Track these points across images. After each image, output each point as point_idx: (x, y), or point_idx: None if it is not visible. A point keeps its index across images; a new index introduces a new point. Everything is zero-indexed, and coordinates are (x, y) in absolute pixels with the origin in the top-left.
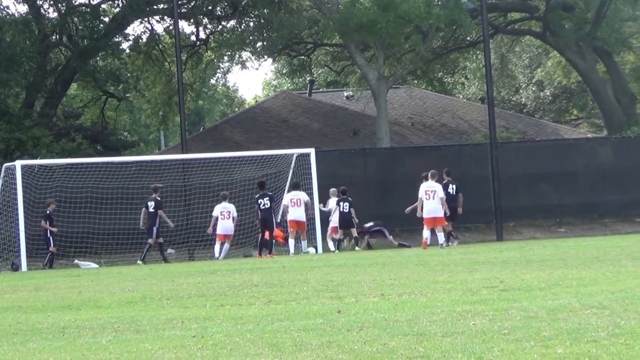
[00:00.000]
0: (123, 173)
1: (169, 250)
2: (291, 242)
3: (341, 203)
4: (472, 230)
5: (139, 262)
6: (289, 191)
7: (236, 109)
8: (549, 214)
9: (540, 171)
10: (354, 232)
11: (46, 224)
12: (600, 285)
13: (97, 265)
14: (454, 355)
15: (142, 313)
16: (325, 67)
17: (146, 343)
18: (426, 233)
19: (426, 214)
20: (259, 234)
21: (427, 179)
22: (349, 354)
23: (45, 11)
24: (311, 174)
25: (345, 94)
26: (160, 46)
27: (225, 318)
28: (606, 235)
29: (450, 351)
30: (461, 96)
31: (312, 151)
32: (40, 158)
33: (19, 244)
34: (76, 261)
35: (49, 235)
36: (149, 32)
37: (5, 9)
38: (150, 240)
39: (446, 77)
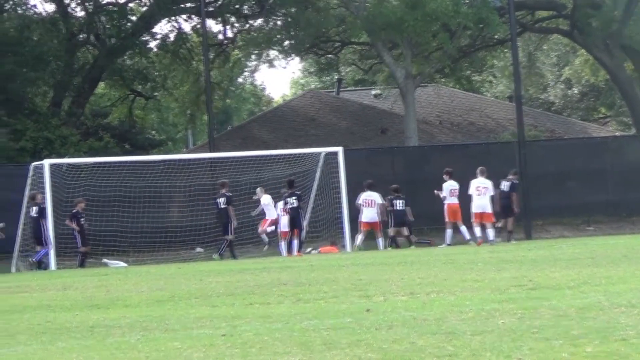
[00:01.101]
0: (151, 172)
1: (197, 249)
2: (360, 237)
3: (395, 201)
4: (501, 228)
5: (215, 256)
6: (363, 191)
7: (264, 108)
8: (577, 212)
9: (569, 169)
10: (405, 230)
11: (72, 222)
12: (629, 283)
13: (125, 264)
14: (483, 354)
15: (171, 312)
16: (353, 66)
17: (175, 342)
18: (478, 231)
19: (475, 209)
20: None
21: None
22: (377, 352)
23: (73, 10)
24: (339, 173)
25: (373, 92)
26: (187, 45)
27: (254, 317)
28: (634, 233)
29: (479, 350)
30: (489, 94)
31: (340, 150)
32: (68, 157)
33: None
34: (104, 260)
35: (75, 234)
36: (176, 31)
37: (33, 7)
38: (228, 237)
39: (474, 76)
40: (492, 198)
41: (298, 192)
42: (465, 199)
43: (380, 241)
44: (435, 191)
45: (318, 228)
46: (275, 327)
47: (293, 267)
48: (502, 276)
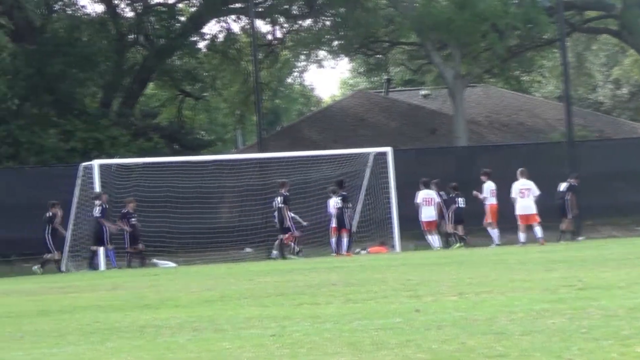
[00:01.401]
0: (200, 172)
1: (247, 249)
2: (431, 237)
3: (458, 199)
4: (550, 229)
5: (290, 256)
6: (419, 189)
7: (313, 108)
8: (627, 212)
9: (618, 169)
10: (461, 229)
11: (122, 223)
12: None
13: (175, 265)
14: (533, 354)
15: (221, 312)
16: (402, 66)
17: (225, 342)
18: (522, 237)
19: (520, 211)
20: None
21: (488, 177)
22: (427, 353)
23: (122, 10)
24: (388, 173)
25: (422, 92)
26: (236, 45)
27: (304, 317)
28: None
29: (529, 350)
30: (538, 94)
31: (389, 150)
32: (118, 157)
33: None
34: (154, 260)
35: (125, 234)
36: (225, 31)
37: (82, 8)
38: (295, 233)
39: (523, 76)
40: (535, 198)
41: (344, 193)
42: (503, 200)
43: (436, 239)
44: (474, 192)
45: (367, 228)
46: (324, 327)
47: (343, 267)
48: (552, 276)
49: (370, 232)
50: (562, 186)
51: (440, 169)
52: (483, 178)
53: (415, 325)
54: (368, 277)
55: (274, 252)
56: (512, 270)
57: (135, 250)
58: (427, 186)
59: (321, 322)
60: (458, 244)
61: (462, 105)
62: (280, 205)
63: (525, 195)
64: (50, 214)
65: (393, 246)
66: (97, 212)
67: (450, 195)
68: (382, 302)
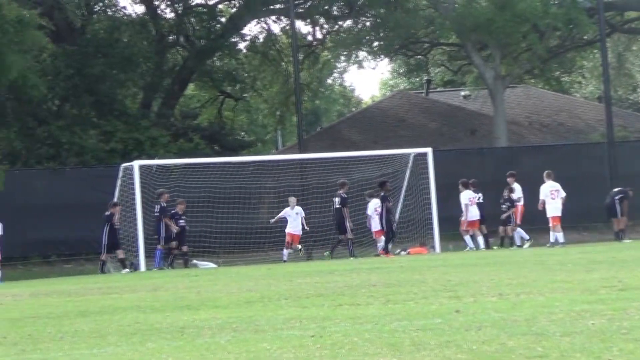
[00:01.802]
0: (241, 173)
1: (297, 246)
2: (479, 239)
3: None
4: (590, 229)
5: (325, 253)
6: (461, 190)
7: (353, 109)
8: None
9: None
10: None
11: (171, 223)
12: None
13: (215, 265)
14: (573, 355)
15: (261, 313)
16: (442, 67)
17: (265, 343)
18: (561, 236)
19: (552, 213)
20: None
21: (515, 179)
22: (467, 353)
23: (162, 11)
24: (428, 174)
25: (462, 93)
26: (277, 46)
27: (344, 318)
28: None
29: (569, 350)
30: (578, 95)
31: (429, 151)
32: (158, 158)
33: (138, 244)
34: (194, 261)
35: (162, 234)
36: (265, 32)
37: (122, 9)
38: (341, 237)
39: (563, 76)
40: (563, 200)
41: (383, 194)
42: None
43: (480, 240)
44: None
45: (407, 229)
46: (364, 328)
47: (382, 268)
48: (592, 277)
49: (410, 233)
50: (615, 190)
51: (481, 170)
52: (510, 180)
53: (455, 326)
54: (408, 278)
55: (326, 252)
56: (552, 271)
57: (180, 251)
58: (466, 187)
59: (361, 323)
60: (527, 242)
61: (502, 106)
62: (337, 205)
63: (555, 196)
64: (109, 212)
65: (433, 247)
66: (156, 210)
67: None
68: (422, 303)
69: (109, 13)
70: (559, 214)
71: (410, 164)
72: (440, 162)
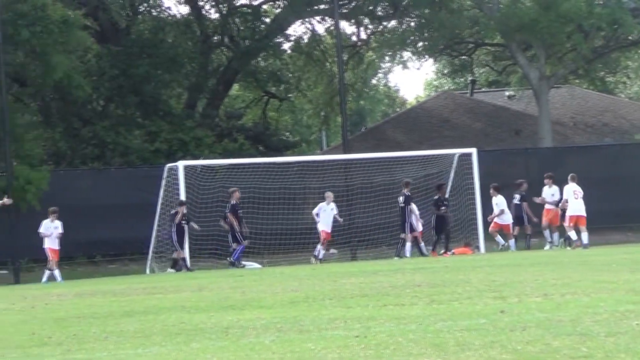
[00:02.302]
0: (285, 173)
1: (332, 251)
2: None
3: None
4: (634, 230)
5: (395, 257)
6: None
7: (397, 109)
8: None
9: None
10: (528, 228)
11: (231, 216)
12: None
13: (260, 266)
14: (617, 355)
15: (305, 313)
16: (487, 67)
17: (309, 343)
18: (573, 234)
19: (573, 212)
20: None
21: (553, 180)
22: (512, 354)
23: (207, 12)
24: (473, 174)
25: (507, 93)
26: (321, 46)
27: (388, 318)
28: None
29: (614, 351)
30: (623, 95)
31: (474, 151)
32: (203, 158)
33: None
34: (242, 262)
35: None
36: (310, 33)
37: (167, 9)
38: (402, 235)
39: (608, 77)
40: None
41: (438, 197)
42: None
43: (512, 242)
44: (536, 198)
45: (452, 230)
46: (409, 328)
47: (427, 268)
48: (637, 277)
49: (455, 233)
50: None
51: (524, 170)
52: (548, 181)
53: (499, 326)
54: (452, 278)
55: (395, 257)
56: (596, 271)
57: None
58: (498, 191)
59: (406, 323)
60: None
61: (547, 106)
62: (402, 204)
63: (578, 197)
64: (174, 211)
65: (477, 247)
66: (228, 209)
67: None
68: (466, 303)
69: (154, 13)
70: (582, 214)
71: (454, 165)
72: (484, 162)
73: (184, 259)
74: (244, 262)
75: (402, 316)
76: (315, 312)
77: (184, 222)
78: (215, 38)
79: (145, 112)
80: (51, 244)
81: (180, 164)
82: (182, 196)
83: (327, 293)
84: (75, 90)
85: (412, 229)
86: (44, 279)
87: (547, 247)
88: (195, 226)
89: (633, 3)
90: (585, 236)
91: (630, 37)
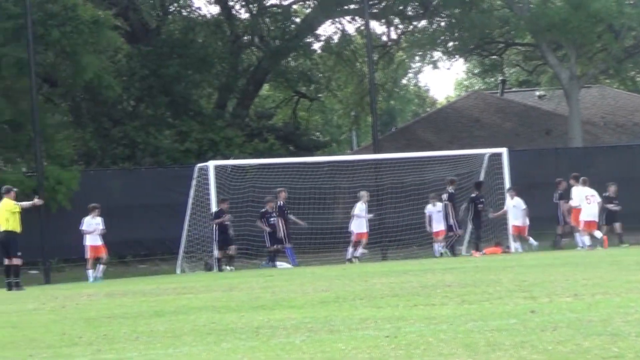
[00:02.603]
0: (315, 173)
1: (362, 250)
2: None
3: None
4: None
5: (443, 251)
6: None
7: (428, 109)
8: None
9: None
10: (618, 227)
11: (260, 222)
12: None
13: (290, 265)
14: None
15: (336, 313)
16: (517, 67)
17: (340, 343)
18: (587, 239)
19: (587, 217)
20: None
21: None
22: (542, 354)
23: (237, 12)
24: (503, 174)
25: (537, 93)
26: (351, 46)
27: (419, 318)
28: None
29: None
30: None
31: (504, 151)
32: (233, 158)
33: (213, 245)
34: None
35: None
36: (340, 33)
37: (197, 10)
38: (450, 233)
39: (638, 76)
40: (598, 205)
41: (474, 195)
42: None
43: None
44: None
45: (483, 229)
46: (439, 328)
47: (457, 268)
48: None
49: (485, 233)
50: None
51: (554, 170)
52: (573, 182)
53: (530, 326)
54: (483, 278)
55: (442, 250)
56: (627, 272)
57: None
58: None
59: (436, 323)
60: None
61: (577, 106)
62: (445, 202)
63: (591, 201)
64: (218, 209)
65: (508, 247)
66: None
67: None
68: (497, 303)
69: (184, 14)
70: (594, 219)
71: (485, 164)
72: (515, 162)
73: (219, 259)
74: (277, 263)
75: (433, 316)
76: (345, 312)
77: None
78: (246, 38)
79: (175, 112)
80: (92, 241)
81: (211, 164)
82: (212, 196)
83: (357, 293)
84: (105, 90)
85: (451, 228)
86: (91, 278)
87: (579, 247)
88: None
89: None
90: (587, 239)
91: None
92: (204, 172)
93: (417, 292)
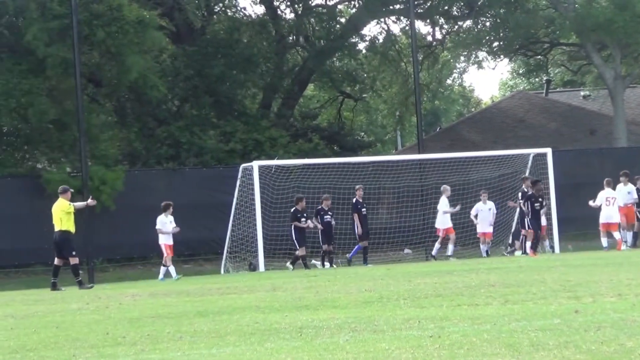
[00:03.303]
0: (360, 173)
1: (406, 250)
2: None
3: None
4: None
5: (519, 253)
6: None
7: (472, 109)
8: None
9: None
10: None
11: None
12: None
13: (332, 266)
14: None
15: (379, 313)
16: (562, 67)
17: (383, 343)
18: (605, 241)
19: (604, 219)
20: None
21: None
22: (586, 354)
23: (282, 12)
24: (548, 174)
25: (582, 93)
26: (396, 47)
27: (462, 318)
28: None
29: None
30: None
31: (548, 151)
32: (278, 158)
33: (257, 245)
34: (313, 261)
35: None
36: (385, 33)
37: (242, 10)
38: (523, 232)
39: None
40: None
41: (531, 193)
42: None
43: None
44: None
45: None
46: (483, 328)
47: (501, 268)
48: None
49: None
50: None
51: (599, 170)
52: (623, 179)
53: (574, 326)
54: (527, 278)
55: (516, 251)
56: None
57: (327, 249)
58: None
59: (480, 323)
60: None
61: (622, 106)
62: (520, 200)
63: (610, 203)
64: (294, 208)
65: (552, 247)
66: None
67: None
68: (540, 303)
69: (229, 14)
70: (613, 221)
71: (529, 165)
72: (559, 162)
73: (303, 257)
74: (314, 262)
75: (476, 316)
76: (389, 312)
77: (303, 219)
78: (291, 38)
79: (220, 112)
80: (166, 240)
81: (255, 164)
82: (257, 196)
83: (401, 293)
84: (150, 90)
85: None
86: (161, 275)
87: (623, 247)
88: (312, 224)
89: None
90: (604, 240)
91: None
92: (248, 172)
93: (460, 292)
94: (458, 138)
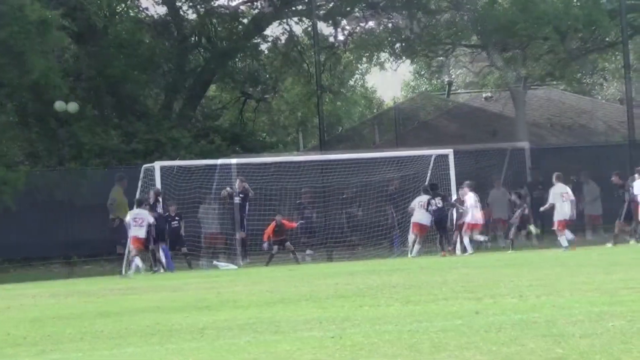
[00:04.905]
0: (262, 174)
1: (308, 252)
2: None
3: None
4: (610, 232)
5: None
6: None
7: (375, 110)
8: None
9: None
10: None
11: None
12: None
13: (236, 267)
14: (592, 357)
15: (281, 314)
16: (464, 68)
17: (285, 344)
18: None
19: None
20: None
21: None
22: (487, 355)
23: (184, 13)
24: (450, 175)
25: (484, 95)
26: (298, 47)
27: (364, 319)
28: None
29: (589, 352)
30: (600, 97)
31: (450, 152)
32: (179, 159)
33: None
34: (215, 262)
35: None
36: (287, 34)
37: (145, 10)
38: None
39: (585, 78)
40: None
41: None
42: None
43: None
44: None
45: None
46: (384, 329)
47: (403, 269)
48: (612, 278)
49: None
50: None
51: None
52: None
53: (475, 327)
54: (428, 279)
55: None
56: (572, 273)
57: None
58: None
59: (381, 324)
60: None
61: (524, 107)
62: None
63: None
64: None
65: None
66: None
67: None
68: (442, 304)
69: (131, 14)
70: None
71: (431, 166)
72: (460, 163)
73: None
74: (219, 263)
75: (378, 317)
76: (290, 312)
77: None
78: (193, 39)
79: (122, 113)
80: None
81: (157, 165)
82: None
83: (302, 294)
84: (52, 90)
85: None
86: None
87: (632, 241)
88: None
89: (610, 5)
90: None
91: (607, 39)
92: (150, 173)
93: (362, 293)
94: (360, 139)
